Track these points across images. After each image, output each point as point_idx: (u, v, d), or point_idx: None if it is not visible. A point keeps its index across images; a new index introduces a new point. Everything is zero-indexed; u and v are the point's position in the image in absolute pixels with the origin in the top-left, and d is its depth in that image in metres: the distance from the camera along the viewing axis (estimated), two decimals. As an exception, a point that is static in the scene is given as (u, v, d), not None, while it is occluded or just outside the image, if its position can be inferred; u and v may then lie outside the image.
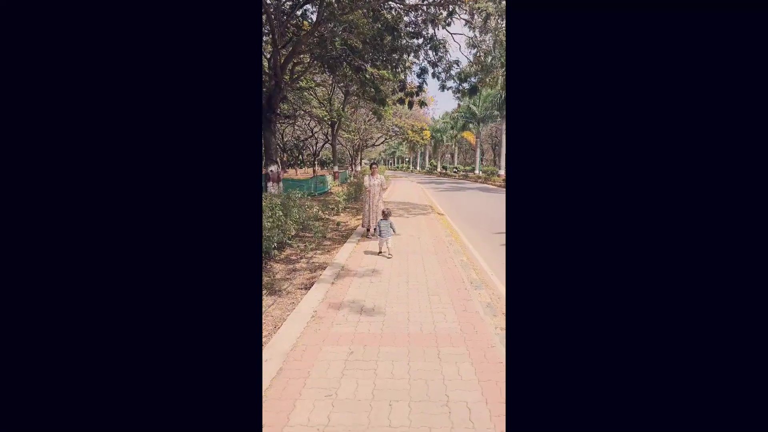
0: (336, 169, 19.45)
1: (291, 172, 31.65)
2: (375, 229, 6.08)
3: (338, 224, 7.41)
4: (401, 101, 11.39)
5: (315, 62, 10.45)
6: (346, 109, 18.13)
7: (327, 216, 8.70)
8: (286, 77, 11.41)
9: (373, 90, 12.95)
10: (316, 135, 28.47)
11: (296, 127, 27.56)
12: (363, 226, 6.39)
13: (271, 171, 8.41)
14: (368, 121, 25.64)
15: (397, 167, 66.10)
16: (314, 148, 32.71)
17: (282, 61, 9.07)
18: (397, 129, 28.97)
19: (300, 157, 37.34)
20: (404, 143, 39.84)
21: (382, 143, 36.71)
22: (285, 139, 29.70)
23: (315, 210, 6.35)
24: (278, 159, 10.49)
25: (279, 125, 24.10)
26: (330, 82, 17.02)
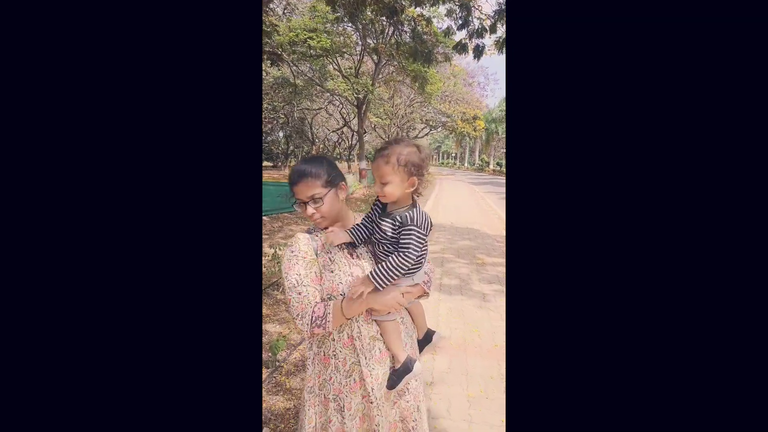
0: (363, 165, 14.56)
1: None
2: None
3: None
4: (461, 47, 6.33)
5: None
6: (376, 84, 13.18)
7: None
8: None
9: (413, 41, 7.94)
10: (350, 123, 23.90)
11: (329, 113, 23.16)
12: None
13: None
14: (409, 105, 20.61)
15: (442, 163, 60.10)
16: (350, 140, 28.18)
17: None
18: (445, 118, 23.61)
19: (336, 150, 32.87)
20: (451, 136, 34.19)
21: (426, 135, 31.41)
22: (313, 130, 25.44)
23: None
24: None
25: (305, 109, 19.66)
26: (357, 45, 12.22)
